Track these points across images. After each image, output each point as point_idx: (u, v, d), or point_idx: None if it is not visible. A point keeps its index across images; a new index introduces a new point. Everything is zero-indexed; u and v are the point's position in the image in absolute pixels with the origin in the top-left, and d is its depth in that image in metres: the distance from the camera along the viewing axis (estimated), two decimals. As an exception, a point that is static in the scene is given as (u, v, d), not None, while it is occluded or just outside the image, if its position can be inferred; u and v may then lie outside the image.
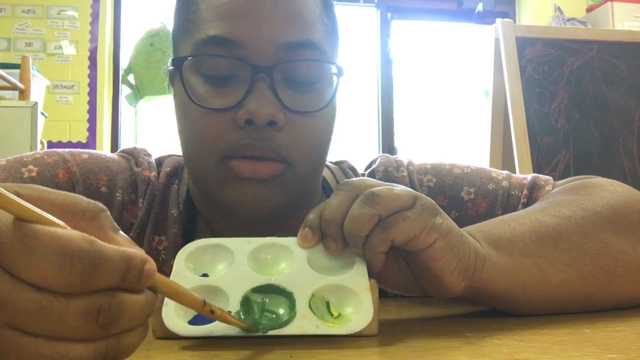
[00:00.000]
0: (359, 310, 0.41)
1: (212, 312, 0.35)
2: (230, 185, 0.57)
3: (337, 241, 0.44)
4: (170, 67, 0.62)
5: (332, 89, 0.61)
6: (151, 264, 0.29)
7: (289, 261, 0.45)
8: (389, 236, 0.43)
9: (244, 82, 0.56)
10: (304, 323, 0.40)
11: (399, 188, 0.45)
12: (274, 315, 0.41)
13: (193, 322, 0.40)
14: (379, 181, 0.47)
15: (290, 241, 0.46)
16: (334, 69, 0.61)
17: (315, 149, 0.60)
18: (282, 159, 0.57)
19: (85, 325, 0.26)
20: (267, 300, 0.41)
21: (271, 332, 0.39)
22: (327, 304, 0.42)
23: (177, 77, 0.60)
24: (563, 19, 3.61)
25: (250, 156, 0.56)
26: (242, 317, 0.40)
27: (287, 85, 0.57)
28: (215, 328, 0.39)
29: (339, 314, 0.42)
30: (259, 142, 0.55)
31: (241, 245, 0.45)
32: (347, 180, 0.47)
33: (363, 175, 0.73)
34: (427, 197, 0.46)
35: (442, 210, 0.46)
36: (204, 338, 0.40)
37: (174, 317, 0.39)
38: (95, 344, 0.27)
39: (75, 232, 0.27)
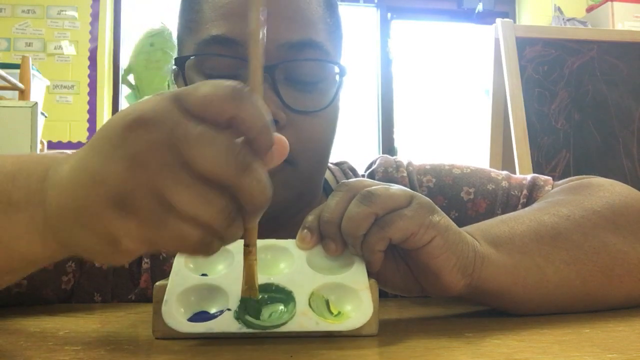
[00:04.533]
0: (358, 307, 0.41)
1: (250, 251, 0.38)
2: None
3: (336, 242, 0.44)
4: (174, 67, 0.62)
5: (335, 88, 0.61)
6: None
7: (289, 262, 0.45)
8: (387, 234, 0.43)
9: (246, 81, 0.56)
10: (304, 320, 0.40)
11: (396, 187, 0.45)
12: (273, 313, 0.41)
13: (192, 320, 0.40)
14: (376, 181, 0.47)
15: (289, 243, 0.46)
16: (336, 69, 0.61)
17: (317, 149, 0.60)
18: (285, 159, 0.57)
19: (227, 158, 0.31)
20: (266, 297, 0.41)
21: (271, 330, 0.39)
22: (327, 302, 0.42)
23: (180, 76, 0.60)
24: (563, 19, 3.61)
25: None
26: (245, 316, 0.40)
27: (289, 84, 0.58)
28: (215, 325, 0.39)
29: (339, 312, 0.42)
30: None
31: (240, 247, 0.45)
32: (344, 181, 0.47)
33: (363, 176, 0.73)
34: (423, 196, 0.46)
35: (439, 209, 0.46)
36: (204, 338, 0.40)
37: (174, 314, 0.39)
38: (225, 199, 0.32)
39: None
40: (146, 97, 0.33)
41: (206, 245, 0.32)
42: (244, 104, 0.32)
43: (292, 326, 0.39)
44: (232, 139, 0.32)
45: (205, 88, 0.32)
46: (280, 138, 0.35)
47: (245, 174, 0.32)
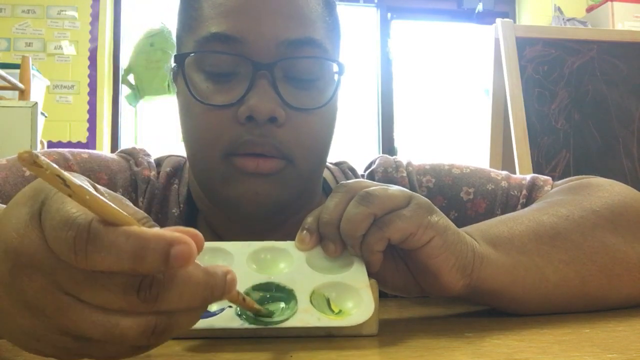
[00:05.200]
0: (359, 304, 0.41)
1: (244, 299, 0.36)
2: (233, 182, 0.57)
3: (335, 243, 0.44)
4: (173, 65, 0.62)
5: (333, 86, 0.61)
6: (183, 248, 0.27)
7: (288, 262, 0.45)
8: (385, 234, 0.43)
9: (245, 78, 0.56)
10: (306, 316, 0.40)
11: (394, 188, 0.46)
12: (274, 311, 0.41)
13: None
14: (375, 182, 0.47)
15: (288, 245, 0.46)
16: (335, 67, 0.61)
17: (316, 146, 0.60)
18: (283, 156, 0.57)
19: (126, 297, 0.28)
20: (268, 296, 0.41)
21: (273, 326, 0.39)
22: (328, 300, 0.42)
23: (180, 74, 0.60)
24: (563, 19, 3.61)
25: (251, 153, 0.56)
26: (245, 315, 0.40)
27: (288, 82, 0.58)
28: (217, 321, 0.39)
29: (340, 310, 0.42)
30: (260, 139, 0.56)
31: (240, 248, 0.45)
32: (342, 182, 0.47)
33: (362, 176, 0.73)
34: (422, 196, 0.46)
35: (438, 209, 0.46)
36: (204, 338, 0.40)
37: None
38: (144, 318, 0.28)
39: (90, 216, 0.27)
40: (11, 212, 0.30)
41: (141, 351, 0.31)
42: (106, 251, 0.26)
43: (294, 322, 0.39)
44: (125, 275, 0.27)
45: (65, 235, 0.27)
46: (178, 238, 0.27)
47: (159, 300, 0.28)
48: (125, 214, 0.27)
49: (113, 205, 0.27)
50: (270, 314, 0.40)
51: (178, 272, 0.28)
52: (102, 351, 0.30)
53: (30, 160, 0.24)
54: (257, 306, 0.39)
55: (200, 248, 0.28)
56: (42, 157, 0.24)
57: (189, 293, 0.29)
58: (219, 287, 0.30)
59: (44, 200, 0.29)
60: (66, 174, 0.25)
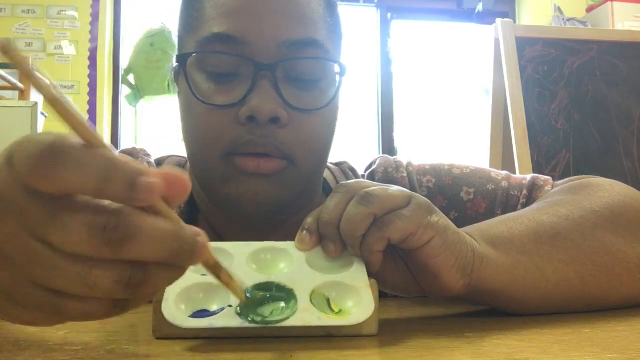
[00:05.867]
0: (359, 303, 0.41)
1: (230, 277, 0.36)
2: (233, 181, 0.57)
3: (335, 243, 0.44)
4: (175, 65, 0.62)
5: (335, 87, 0.61)
6: (151, 179, 0.27)
7: (288, 262, 0.45)
8: (385, 234, 0.43)
9: (247, 79, 0.56)
10: (306, 316, 0.40)
11: (394, 188, 0.46)
12: (274, 310, 0.41)
13: (193, 317, 0.40)
14: (375, 182, 0.47)
15: (288, 245, 0.46)
16: (336, 68, 0.61)
17: (317, 147, 0.60)
18: (284, 156, 0.57)
19: (91, 240, 0.27)
20: (268, 295, 0.42)
21: (273, 325, 0.39)
22: (328, 300, 0.42)
23: (181, 74, 0.60)
24: (563, 19, 3.61)
25: (253, 153, 0.56)
26: (245, 314, 0.40)
27: (289, 83, 0.58)
28: (217, 320, 0.39)
29: (340, 310, 0.42)
30: (262, 139, 0.56)
31: (240, 249, 0.45)
32: (342, 182, 0.47)
33: (363, 176, 0.73)
34: (422, 196, 0.46)
35: (437, 209, 0.46)
36: (204, 338, 0.40)
37: (175, 312, 0.39)
38: (118, 267, 0.28)
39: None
40: None
41: (120, 309, 0.30)
42: (70, 167, 0.26)
43: (294, 321, 0.39)
44: (92, 211, 0.27)
45: (30, 151, 0.27)
46: (163, 173, 0.28)
47: (125, 245, 0.27)
48: (100, 138, 0.27)
49: (88, 125, 0.27)
50: (263, 319, 0.40)
51: (146, 218, 0.28)
52: (79, 308, 0.29)
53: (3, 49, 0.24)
54: (239, 291, 0.38)
55: (185, 189, 0.28)
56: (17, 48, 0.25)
57: (157, 241, 0.28)
58: (188, 240, 0.29)
59: (16, 145, 0.29)
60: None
